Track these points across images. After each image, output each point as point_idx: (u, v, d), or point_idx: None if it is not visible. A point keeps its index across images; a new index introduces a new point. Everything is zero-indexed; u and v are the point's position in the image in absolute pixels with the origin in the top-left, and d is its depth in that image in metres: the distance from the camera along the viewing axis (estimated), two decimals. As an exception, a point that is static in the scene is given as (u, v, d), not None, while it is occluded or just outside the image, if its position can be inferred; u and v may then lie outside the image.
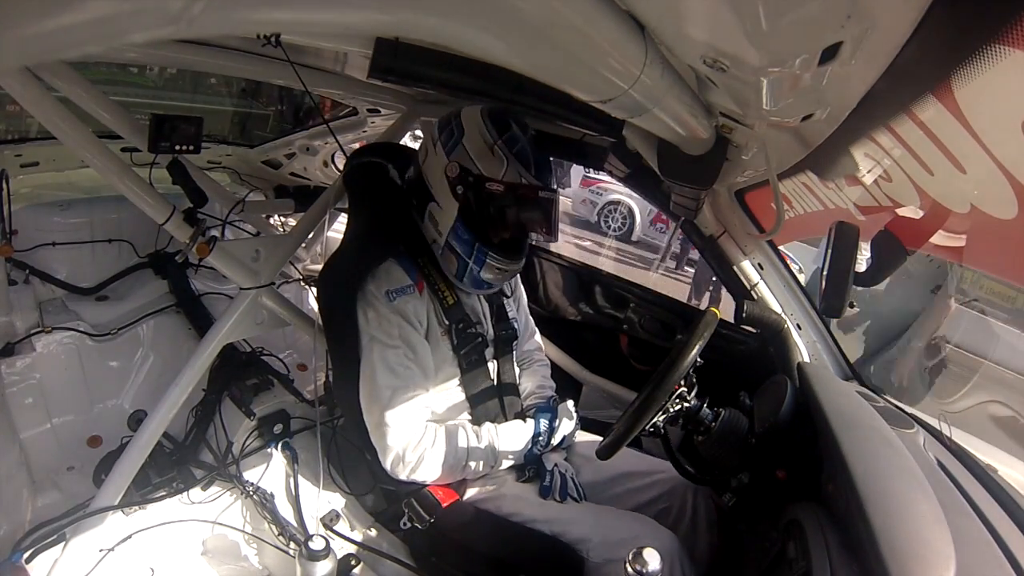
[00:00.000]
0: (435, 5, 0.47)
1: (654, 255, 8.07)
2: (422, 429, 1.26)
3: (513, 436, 1.34)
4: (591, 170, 7.42)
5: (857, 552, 0.78)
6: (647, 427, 1.12)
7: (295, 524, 1.47)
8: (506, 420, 1.43)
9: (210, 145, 2.36)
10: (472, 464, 1.29)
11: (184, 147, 1.30)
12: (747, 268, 1.56)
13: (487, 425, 1.34)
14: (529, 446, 1.35)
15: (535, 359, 1.63)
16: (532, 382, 1.57)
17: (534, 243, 2.06)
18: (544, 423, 1.37)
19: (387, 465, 1.25)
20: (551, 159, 1.38)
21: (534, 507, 1.29)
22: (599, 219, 8.61)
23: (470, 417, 1.38)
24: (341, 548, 1.33)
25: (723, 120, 0.94)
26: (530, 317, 1.67)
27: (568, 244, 7.49)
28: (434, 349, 1.31)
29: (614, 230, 8.54)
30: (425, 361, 1.28)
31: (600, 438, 1.23)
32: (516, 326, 1.52)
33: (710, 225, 1.58)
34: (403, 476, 1.25)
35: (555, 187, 1.32)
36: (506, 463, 1.34)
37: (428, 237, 1.31)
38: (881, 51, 0.53)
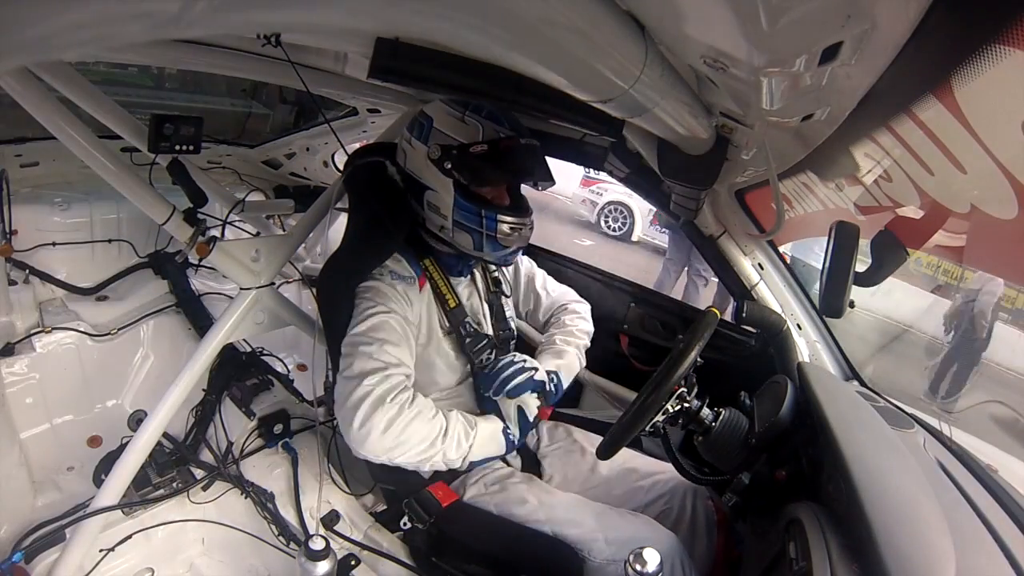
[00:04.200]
0: (435, 5, 0.47)
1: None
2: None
3: (485, 439, 1.26)
4: (591, 170, 7.42)
5: (857, 552, 0.78)
6: (647, 427, 1.12)
7: (295, 524, 1.47)
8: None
9: (210, 145, 2.36)
10: (438, 450, 1.17)
11: (184, 147, 1.30)
12: (747, 268, 1.56)
13: (459, 418, 1.23)
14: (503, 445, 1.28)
15: (565, 312, 1.63)
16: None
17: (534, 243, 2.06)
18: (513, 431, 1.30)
19: (340, 413, 1.15)
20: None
21: (534, 507, 1.29)
22: (599, 219, 8.59)
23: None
24: (341, 548, 1.34)
25: (723, 120, 0.95)
26: (546, 288, 1.67)
27: (576, 244, 7.54)
28: (438, 351, 1.31)
29: (614, 230, 8.53)
30: (408, 341, 1.23)
31: (600, 438, 1.23)
32: (512, 326, 1.53)
33: (710, 225, 1.58)
34: (354, 428, 1.11)
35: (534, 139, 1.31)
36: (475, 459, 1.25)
37: (435, 226, 1.30)
38: (881, 51, 0.53)
